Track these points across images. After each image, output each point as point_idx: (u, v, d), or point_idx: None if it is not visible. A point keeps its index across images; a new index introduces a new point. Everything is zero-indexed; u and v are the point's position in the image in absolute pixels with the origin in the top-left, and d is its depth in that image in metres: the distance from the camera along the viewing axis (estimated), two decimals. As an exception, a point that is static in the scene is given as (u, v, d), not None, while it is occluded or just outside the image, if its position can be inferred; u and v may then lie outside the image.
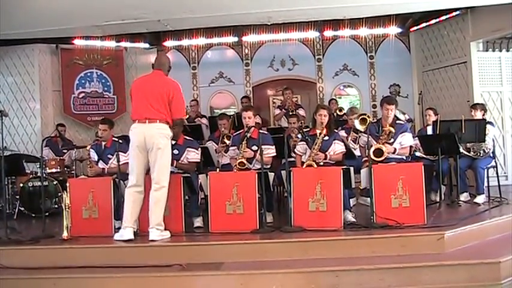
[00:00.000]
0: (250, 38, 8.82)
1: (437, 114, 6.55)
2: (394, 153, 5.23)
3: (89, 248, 4.51)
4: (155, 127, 4.57)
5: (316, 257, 4.19)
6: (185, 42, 8.90)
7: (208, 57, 9.41)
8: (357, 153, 5.88)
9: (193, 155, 5.26)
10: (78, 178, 5.90)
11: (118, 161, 5.05)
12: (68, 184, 4.96)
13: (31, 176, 6.65)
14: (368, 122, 5.63)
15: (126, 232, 4.54)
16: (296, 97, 8.64)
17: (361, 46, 9.17)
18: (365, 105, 9.11)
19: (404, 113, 6.72)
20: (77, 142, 7.89)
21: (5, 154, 5.56)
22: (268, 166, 5.22)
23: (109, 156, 5.52)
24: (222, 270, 4.05)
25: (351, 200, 5.33)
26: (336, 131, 5.53)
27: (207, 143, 6.40)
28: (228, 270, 4.05)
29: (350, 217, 4.84)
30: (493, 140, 6.02)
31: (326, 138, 5.19)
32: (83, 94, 8.75)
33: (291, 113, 7.24)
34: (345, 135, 6.31)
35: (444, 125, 5.87)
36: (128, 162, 4.84)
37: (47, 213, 5.91)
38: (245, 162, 5.17)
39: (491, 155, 5.96)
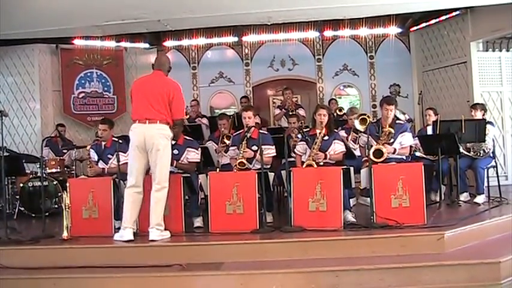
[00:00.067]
0: (250, 38, 8.82)
1: (437, 114, 6.55)
2: (394, 153, 5.23)
3: (89, 248, 4.51)
4: (155, 127, 4.57)
5: (316, 257, 4.20)
6: (185, 42, 8.90)
7: (208, 57, 9.41)
8: (357, 153, 5.88)
9: (193, 155, 5.26)
10: (78, 178, 5.90)
11: (118, 161, 5.04)
12: (68, 184, 4.96)
13: (31, 176, 6.65)
14: (368, 122, 5.64)
15: (126, 233, 4.54)
16: (296, 97, 8.64)
17: (361, 46, 9.17)
18: (365, 105, 9.10)
19: (404, 113, 6.73)
20: (77, 142, 7.89)
21: (4, 154, 5.55)
22: (268, 166, 5.22)
23: (109, 156, 5.52)
24: (222, 270, 4.05)
25: (351, 200, 5.33)
26: (335, 130, 5.54)
27: (207, 143, 6.40)
28: (228, 270, 4.05)
29: (350, 217, 4.85)
30: (493, 140, 6.02)
31: (326, 138, 5.19)
32: (82, 94, 8.75)
33: (291, 113, 7.24)
34: (345, 135, 6.30)
35: (444, 125, 5.87)
36: (127, 163, 4.84)
37: (47, 213, 5.91)
38: (245, 162, 5.17)
39: (491, 155, 5.96)
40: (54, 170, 6.70)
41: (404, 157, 5.38)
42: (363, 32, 8.65)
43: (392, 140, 5.26)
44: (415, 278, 3.89)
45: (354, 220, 4.82)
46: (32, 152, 8.01)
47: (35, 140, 8.25)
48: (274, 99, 9.38)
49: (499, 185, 6.00)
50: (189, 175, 5.01)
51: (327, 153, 5.15)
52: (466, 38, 7.62)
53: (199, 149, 5.40)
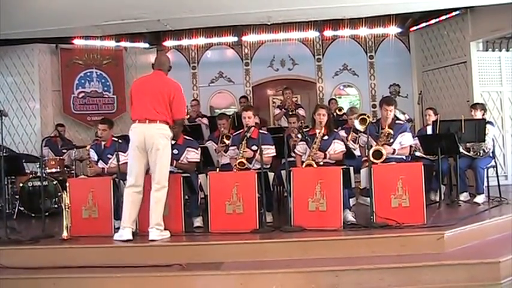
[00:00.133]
0: (250, 37, 8.82)
1: (437, 114, 6.56)
2: (393, 153, 5.23)
3: (89, 248, 4.51)
4: (155, 127, 4.57)
5: (316, 256, 4.19)
6: (185, 42, 8.90)
7: (208, 57, 9.42)
8: (357, 153, 5.88)
9: (193, 155, 5.26)
10: (78, 178, 5.90)
11: (118, 160, 5.04)
12: (67, 184, 4.96)
13: (31, 175, 6.65)
14: (368, 122, 5.63)
15: (125, 232, 4.54)
16: (296, 97, 8.64)
17: (361, 46, 9.17)
18: (365, 105, 9.11)
19: (404, 113, 6.74)
20: (76, 142, 7.89)
21: (4, 154, 5.55)
22: (268, 166, 5.22)
23: (109, 156, 5.52)
24: (222, 270, 4.05)
25: (350, 199, 5.33)
26: (335, 130, 5.54)
27: (207, 142, 6.39)
28: (228, 270, 4.05)
29: (350, 217, 4.84)
30: (493, 140, 6.02)
31: (326, 137, 5.20)
32: (82, 94, 8.75)
33: (290, 113, 7.24)
34: (345, 135, 6.30)
35: (444, 125, 5.88)
36: (127, 162, 4.84)
37: (46, 213, 5.91)
38: (245, 162, 5.16)
39: (491, 154, 5.97)
40: (54, 170, 6.70)
41: (404, 157, 5.38)
42: (363, 31, 8.65)
43: (391, 141, 5.26)
44: (415, 278, 3.89)
45: (354, 220, 4.81)
46: (31, 151, 8.02)
47: (35, 140, 8.25)
48: (274, 99, 9.39)
49: (498, 185, 6.00)
50: (188, 175, 5.00)
51: (326, 152, 5.15)
52: (466, 38, 7.62)
53: (199, 148, 5.39)
